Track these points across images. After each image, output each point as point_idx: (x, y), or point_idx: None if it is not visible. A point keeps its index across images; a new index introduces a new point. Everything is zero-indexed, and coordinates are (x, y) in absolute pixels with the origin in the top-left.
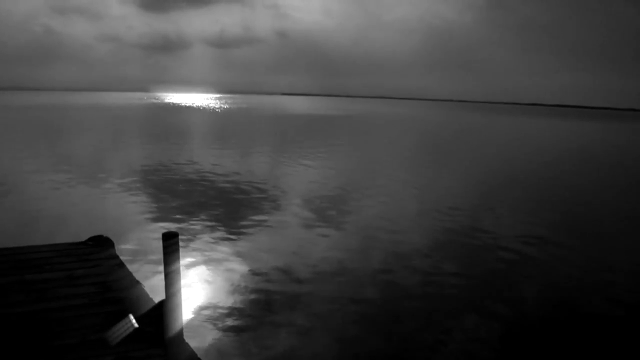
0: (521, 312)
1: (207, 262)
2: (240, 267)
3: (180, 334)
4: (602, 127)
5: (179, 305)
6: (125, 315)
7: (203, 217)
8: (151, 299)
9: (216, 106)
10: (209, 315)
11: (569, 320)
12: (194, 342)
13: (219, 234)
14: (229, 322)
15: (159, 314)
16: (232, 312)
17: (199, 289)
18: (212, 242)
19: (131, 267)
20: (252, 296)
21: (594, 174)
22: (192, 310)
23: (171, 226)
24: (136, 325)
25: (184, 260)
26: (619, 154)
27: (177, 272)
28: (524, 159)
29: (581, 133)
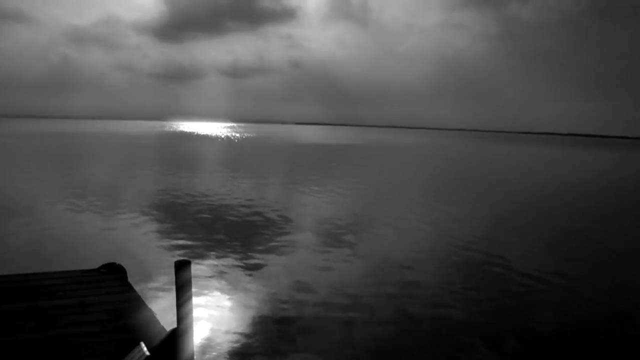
0: (536, 344)
1: (219, 290)
2: (252, 296)
3: None
4: (616, 156)
5: (191, 333)
6: (137, 344)
7: (216, 245)
8: (163, 327)
9: (230, 135)
10: (221, 344)
11: (586, 352)
12: None
13: (231, 262)
14: (242, 350)
15: (171, 343)
16: (244, 340)
17: (211, 318)
18: (225, 271)
19: (143, 295)
20: (265, 325)
21: (610, 204)
22: (204, 338)
23: (184, 254)
24: (147, 353)
25: (196, 288)
26: (635, 182)
27: (190, 300)
28: (538, 188)
29: (596, 162)
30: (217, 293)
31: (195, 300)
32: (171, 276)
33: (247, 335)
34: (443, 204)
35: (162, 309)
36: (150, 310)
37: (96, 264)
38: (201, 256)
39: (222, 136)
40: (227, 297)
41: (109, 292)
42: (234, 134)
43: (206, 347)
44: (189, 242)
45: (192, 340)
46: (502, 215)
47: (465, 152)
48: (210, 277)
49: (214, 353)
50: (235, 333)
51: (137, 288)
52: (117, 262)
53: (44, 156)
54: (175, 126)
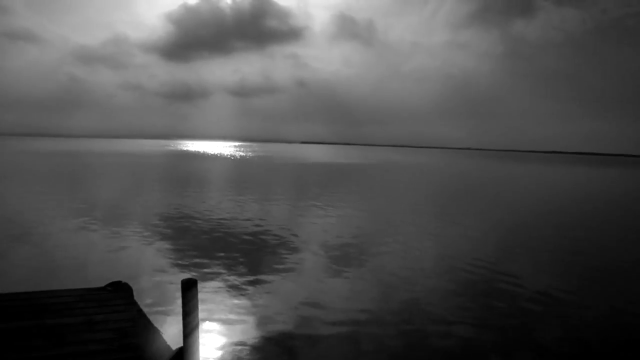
0: None
1: (226, 309)
2: (260, 315)
3: None
4: (623, 174)
5: (197, 352)
6: None
7: (222, 264)
8: (169, 346)
9: (236, 154)
10: None
11: None
12: None
13: (238, 281)
14: None
15: None
16: None
17: (217, 337)
18: (231, 290)
19: (149, 314)
20: (271, 345)
21: (618, 221)
22: (210, 358)
23: (190, 273)
24: None
25: (203, 307)
26: None
27: (196, 319)
28: (545, 207)
29: (602, 180)
30: (223, 312)
31: (201, 319)
32: (178, 295)
33: (254, 355)
34: (451, 223)
35: (168, 327)
36: (156, 329)
37: (102, 282)
38: (208, 275)
39: (229, 155)
40: (234, 316)
41: (115, 310)
42: (240, 153)
43: None
44: (195, 261)
45: (198, 358)
46: (510, 233)
47: (472, 171)
48: (217, 296)
49: None
50: (241, 352)
51: (143, 306)
52: (124, 280)
53: (52, 174)
54: (181, 145)
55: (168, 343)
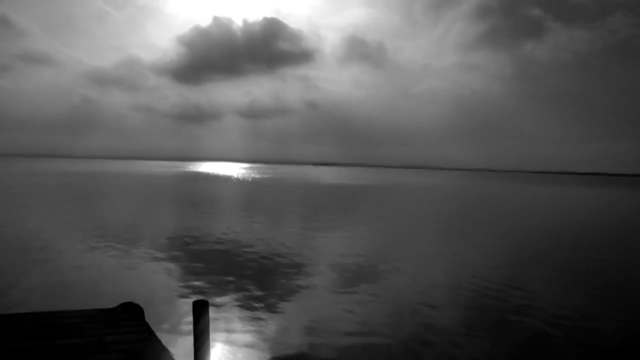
0: None
1: (237, 331)
2: (271, 338)
3: None
4: (635, 195)
5: None
6: None
7: (234, 285)
8: None
9: (247, 176)
10: None
11: None
12: None
13: (250, 303)
14: None
15: None
16: None
17: (228, 358)
18: (243, 311)
19: (160, 335)
20: None
21: (630, 244)
22: None
23: (202, 294)
24: None
25: (214, 328)
26: None
27: (207, 340)
28: (558, 228)
29: (614, 201)
30: (235, 334)
31: (212, 340)
32: (189, 316)
33: None
34: (464, 244)
35: (179, 349)
36: (167, 350)
37: (114, 303)
38: (219, 296)
39: (240, 177)
40: (245, 337)
41: (126, 331)
42: (253, 175)
43: None
44: (206, 282)
45: None
46: (521, 256)
47: (485, 192)
48: (228, 317)
49: None
50: None
51: (154, 328)
52: (135, 301)
53: (64, 195)
54: (193, 167)
55: None
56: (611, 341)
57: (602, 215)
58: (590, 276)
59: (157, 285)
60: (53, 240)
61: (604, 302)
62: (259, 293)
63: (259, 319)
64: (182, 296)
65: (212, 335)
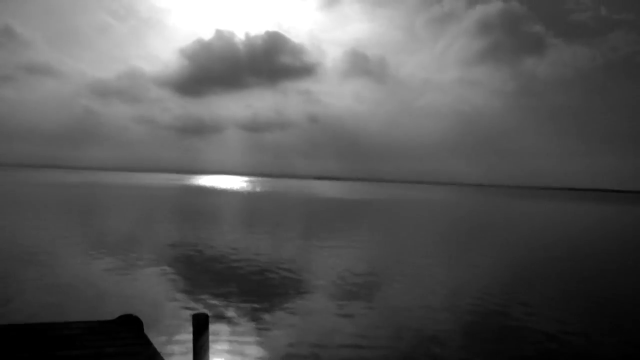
0: None
1: (237, 344)
2: (271, 352)
3: None
4: (637, 211)
5: None
6: None
7: (234, 299)
8: None
9: (249, 189)
10: None
11: None
12: None
13: (249, 316)
14: None
15: None
16: None
17: None
18: (243, 325)
19: (160, 348)
20: None
21: (631, 260)
22: None
23: (201, 308)
24: None
25: (214, 341)
26: None
27: (207, 354)
28: (558, 244)
29: (615, 218)
30: (234, 347)
31: (212, 354)
32: (188, 329)
33: None
34: (458, 263)
35: None
36: None
37: (113, 315)
38: (219, 309)
39: (241, 190)
40: (245, 351)
41: (125, 343)
42: (252, 188)
43: None
44: (207, 295)
45: None
46: (521, 272)
47: (485, 208)
48: (228, 330)
49: None
50: None
51: (153, 340)
52: (134, 313)
53: (64, 206)
54: (194, 179)
55: None
56: (611, 355)
57: (604, 232)
58: (590, 291)
59: (157, 298)
60: (52, 251)
61: (605, 319)
62: (260, 306)
63: (260, 332)
64: (182, 309)
65: (212, 349)
